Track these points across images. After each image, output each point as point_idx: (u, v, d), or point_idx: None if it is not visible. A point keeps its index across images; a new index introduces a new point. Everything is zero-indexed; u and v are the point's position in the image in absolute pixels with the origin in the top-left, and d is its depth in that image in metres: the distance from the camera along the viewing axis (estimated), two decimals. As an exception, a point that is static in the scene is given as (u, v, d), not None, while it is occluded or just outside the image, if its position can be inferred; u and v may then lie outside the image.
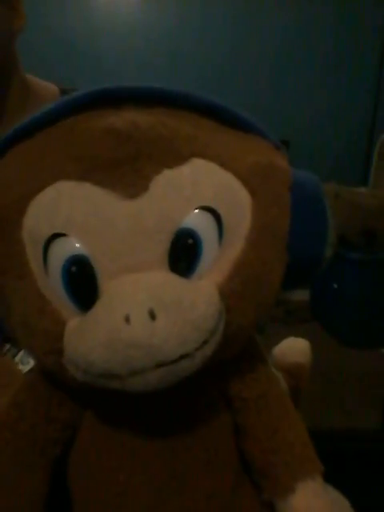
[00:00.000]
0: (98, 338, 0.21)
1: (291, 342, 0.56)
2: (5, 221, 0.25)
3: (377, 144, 2.14)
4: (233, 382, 0.30)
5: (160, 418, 0.29)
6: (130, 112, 0.25)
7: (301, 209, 0.27)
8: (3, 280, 0.25)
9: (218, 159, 0.25)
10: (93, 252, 0.23)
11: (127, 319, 0.21)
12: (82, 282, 0.24)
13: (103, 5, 2.12)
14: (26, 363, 0.57)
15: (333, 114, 2.30)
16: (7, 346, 0.59)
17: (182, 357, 0.22)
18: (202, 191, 0.24)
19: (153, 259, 0.24)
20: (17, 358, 0.57)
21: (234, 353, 0.27)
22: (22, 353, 0.58)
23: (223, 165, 0.25)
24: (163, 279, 0.23)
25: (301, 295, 2.36)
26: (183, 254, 0.24)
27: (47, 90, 0.69)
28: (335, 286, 1.95)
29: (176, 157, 0.24)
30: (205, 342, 0.22)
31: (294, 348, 0.55)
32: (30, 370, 0.50)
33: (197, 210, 0.24)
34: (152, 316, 0.21)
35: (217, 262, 0.25)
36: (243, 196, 0.25)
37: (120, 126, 0.23)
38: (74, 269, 0.23)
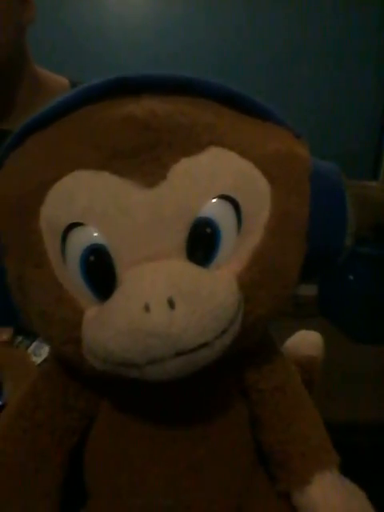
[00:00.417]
0: (117, 327, 0.21)
1: (303, 335, 0.56)
2: (23, 210, 0.25)
3: (387, 137, 2.11)
4: (250, 372, 0.30)
5: (177, 407, 0.29)
6: (148, 100, 0.24)
7: (320, 197, 0.26)
8: (21, 269, 0.25)
9: (237, 147, 0.25)
10: (111, 241, 0.23)
11: (146, 308, 0.21)
12: (101, 271, 0.23)
13: (112, 1, 2.11)
14: (38, 355, 0.57)
15: (342, 106, 2.27)
16: (19, 338, 0.59)
17: (201, 346, 0.21)
18: (221, 180, 0.24)
19: (171, 248, 0.23)
20: (29, 350, 0.58)
21: (252, 343, 0.27)
22: (34, 344, 0.59)
23: (242, 153, 0.25)
24: (182, 268, 0.23)
25: (309, 290, 2.35)
26: (201, 243, 0.24)
27: (57, 83, 0.69)
28: (351, 277, 1.92)
29: (195, 145, 0.24)
30: (224, 332, 0.22)
31: (306, 341, 0.55)
32: (44, 361, 0.51)
33: (215, 199, 0.24)
34: (171, 305, 0.21)
35: (235, 251, 0.24)
36: (262, 184, 0.25)
37: (139, 114, 0.23)
38: (92, 258, 0.23)
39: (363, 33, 2.21)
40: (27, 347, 0.58)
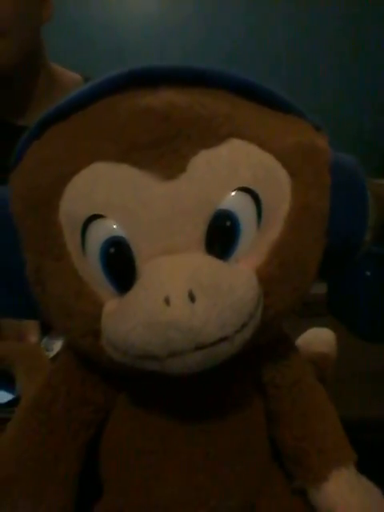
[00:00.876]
0: (137, 320, 0.21)
1: (316, 332, 0.55)
2: (42, 202, 0.25)
3: (399, 135, 2.09)
4: (266, 368, 0.30)
5: (193, 402, 0.29)
6: (166, 92, 0.24)
7: (341, 191, 0.26)
8: (40, 262, 0.25)
9: (257, 139, 0.24)
10: (131, 233, 0.23)
11: (167, 301, 0.21)
12: (120, 264, 0.23)
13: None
14: (50, 350, 0.58)
15: (354, 105, 2.26)
16: None
17: (222, 340, 0.21)
18: (241, 172, 0.24)
19: (190, 241, 0.23)
20: (41, 344, 0.58)
21: (269, 338, 0.27)
22: (45, 339, 0.59)
23: (262, 145, 0.24)
24: (201, 261, 0.23)
25: (318, 288, 2.34)
26: (221, 236, 0.24)
27: (71, 79, 0.69)
28: (361, 276, 1.90)
29: (214, 137, 0.24)
30: (244, 326, 0.22)
31: (319, 338, 0.54)
32: (56, 356, 0.51)
33: (235, 192, 0.23)
34: (191, 298, 0.21)
35: (255, 245, 0.24)
36: (283, 177, 0.25)
37: (157, 105, 0.23)
38: (112, 250, 0.23)
39: (367, 32, 2.19)
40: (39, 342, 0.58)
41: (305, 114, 0.27)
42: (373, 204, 0.27)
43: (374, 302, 1.93)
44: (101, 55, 2.08)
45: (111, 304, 0.24)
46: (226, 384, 0.29)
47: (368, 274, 1.91)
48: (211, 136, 0.24)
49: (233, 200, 0.23)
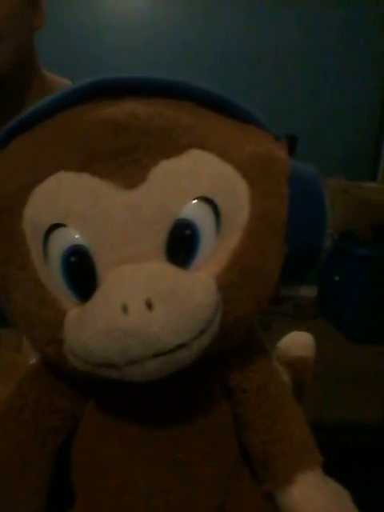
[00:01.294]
0: (96, 328, 0.22)
1: (295, 336, 0.56)
2: (6, 211, 0.25)
3: (386, 138, 2.11)
4: (233, 373, 0.30)
5: (161, 408, 0.29)
6: (129, 103, 0.25)
7: (299, 199, 0.26)
8: (4, 270, 0.25)
9: (217, 150, 0.25)
10: (92, 242, 0.23)
11: (125, 309, 0.21)
12: (81, 272, 0.24)
13: (109, 2, 2.12)
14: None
15: (342, 108, 2.28)
16: None
17: (179, 346, 0.22)
18: (200, 182, 0.24)
19: (151, 250, 0.24)
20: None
21: (233, 344, 0.27)
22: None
23: (222, 155, 0.25)
24: (160, 269, 0.23)
25: (309, 291, 2.36)
26: (181, 244, 0.24)
27: (62, 85, 0.69)
28: (336, 278, 1.93)
29: (174, 147, 0.24)
30: (202, 332, 0.22)
31: (297, 342, 0.55)
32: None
33: (195, 201, 0.24)
34: (149, 306, 0.21)
35: (215, 253, 0.25)
36: (241, 186, 0.25)
37: (119, 116, 0.24)
38: (73, 259, 0.24)
39: (364, 34, 2.22)
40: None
41: (265, 125, 0.28)
42: (330, 211, 0.27)
43: (361, 304, 1.94)
44: (91, 60, 2.09)
45: (73, 312, 0.24)
46: (192, 389, 0.29)
47: (354, 276, 1.92)
48: (171, 146, 0.24)
49: (192, 209, 0.24)
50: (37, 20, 0.57)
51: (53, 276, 0.24)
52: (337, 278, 2.00)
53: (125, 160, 0.23)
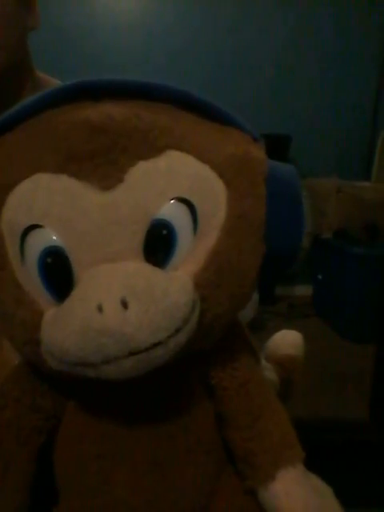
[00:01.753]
0: (72, 327, 0.22)
1: (283, 335, 0.56)
2: None
3: (379, 138, 2.12)
4: (214, 371, 0.30)
5: (142, 407, 0.29)
6: (106, 105, 0.25)
7: (277, 199, 0.27)
8: None
9: (194, 151, 0.25)
10: (68, 243, 0.24)
11: (100, 308, 0.21)
12: (58, 273, 0.24)
13: (104, 2, 2.12)
14: None
15: (335, 108, 2.29)
16: None
17: (155, 345, 0.22)
18: (177, 183, 0.25)
19: (128, 250, 0.24)
20: None
21: (212, 342, 0.28)
22: None
23: (199, 156, 0.25)
24: (137, 269, 0.23)
25: (304, 290, 2.36)
26: (158, 244, 0.24)
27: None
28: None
29: (151, 149, 0.24)
30: (178, 330, 0.22)
31: (286, 340, 0.55)
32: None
33: (172, 202, 0.24)
34: (124, 305, 0.21)
35: (192, 253, 0.25)
36: (219, 187, 0.26)
37: (95, 118, 0.24)
38: (49, 260, 0.24)
39: (360, 35, 2.23)
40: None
41: (243, 125, 0.28)
42: (308, 212, 0.28)
43: (355, 304, 1.94)
44: (84, 60, 2.08)
45: (50, 313, 0.24)
46: (173, 388, 0.29)
47: (349, 275, 1.92)
48: (148, 148, 0.24)
49: (169, 209, 0.24)
50: (31, 21, 0.57)
51: (30, 277, 0.25)
52: (332, 277, 2.01)
53: (101, 161, 0.24)
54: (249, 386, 0.31)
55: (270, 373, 0.49)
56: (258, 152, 0.27)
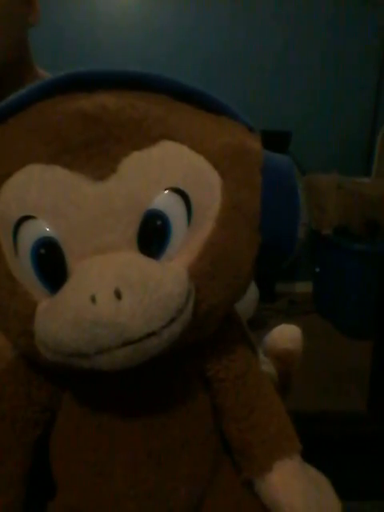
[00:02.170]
0: (65, 318, 0.22)
1: (282, 329, 0.56)
2: None
3: (379, 134, 2.11)
4: (210, 363, 0.30)
5: (138, 398, 0.29)
6: (100, 95, 0.25)
7: (273, 190, 0.27)
8: None
9: (188, 141, 0.25)
10: (61, 234, 0.24)
11: (93, 299, 0.21)
12: (51, 264, 0.24)
13: (103, 0, 2.12)
14: None
15: (335, 104, 2.28)
16: None
17: (149, 335, 0.22)
18: (171, 173, 0.24)
19: (122, 240, 0.24)
20: None
21: (208, 333, 0.28)
22: None
23: (193, 147, 0.25)
24: (130, 259, 0.23)
25: (304, 287, 2.36)
26: (152, 235, 0.24)
27: None
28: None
29: (145, 139, 0.24)
30: (172, 320, 0.22)
31: (284, 335, 0.55)
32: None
33: (166, 192, 0.24)
34: (118, 295, 0.21)
35: (187, 243, 0.25)
36: (213, 177, 0.26)
37: (88, 108, 0.24)
38: (42, 251, 0.24)
39: (359, 34, 2.22)
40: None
41: (239, 116, 0.28)
42: (304, 203, 0.27)
43: (358, 300, 1.93)
44: (83, 58, 2.08)
45: (44, 304, 0.24)
46: (169, 379, 0.29)
47: (349, 272, 1.92)
48: (142, 138, 0.24)
49: (163, 200, 0.24)
50: (31, 17, 0.57)
51: (23, 268, 0.24)
52: (332, 274, 2.01)
53: (94, 151, 0.23)
54: (245, 378, 0.31)
55: (268, 367, 0.49)
56: (254, 143, 0.27)
